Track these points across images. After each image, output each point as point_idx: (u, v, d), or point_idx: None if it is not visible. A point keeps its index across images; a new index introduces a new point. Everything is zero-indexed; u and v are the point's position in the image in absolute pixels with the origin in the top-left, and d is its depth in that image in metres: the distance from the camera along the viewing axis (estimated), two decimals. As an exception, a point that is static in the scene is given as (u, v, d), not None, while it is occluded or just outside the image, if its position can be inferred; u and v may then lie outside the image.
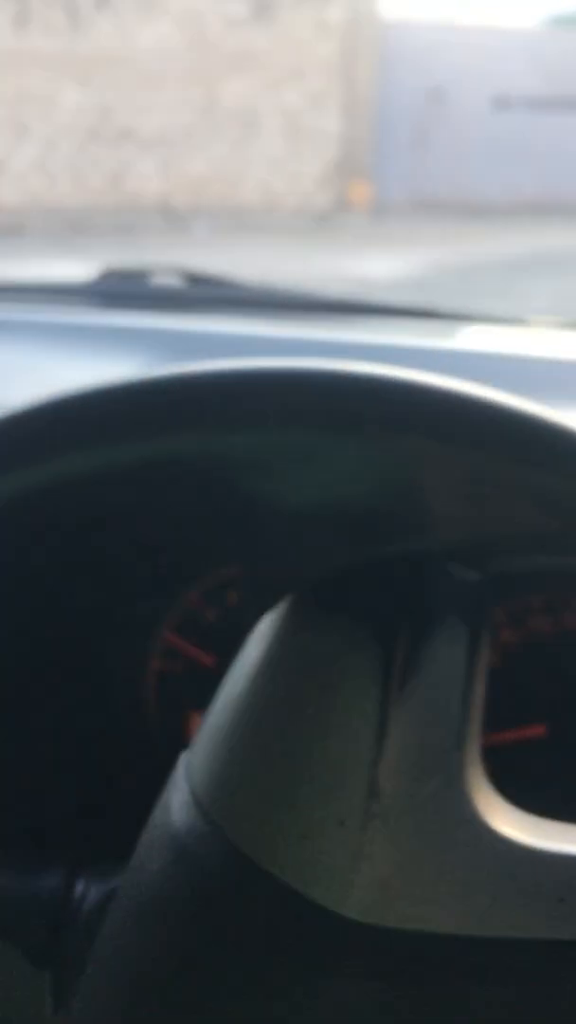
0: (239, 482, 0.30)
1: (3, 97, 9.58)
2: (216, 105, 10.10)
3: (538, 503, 0.28)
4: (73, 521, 0.34)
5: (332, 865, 0.30)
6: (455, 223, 9.20)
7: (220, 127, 10.15)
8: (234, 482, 0.30)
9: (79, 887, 0.39)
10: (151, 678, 0.62)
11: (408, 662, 0.31)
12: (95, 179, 10.07)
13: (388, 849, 0.30)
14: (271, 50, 10.00)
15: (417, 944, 0.30)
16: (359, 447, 0.28)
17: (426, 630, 0.31)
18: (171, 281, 1.05)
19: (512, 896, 0.30)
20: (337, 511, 0.31)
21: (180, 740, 0.50)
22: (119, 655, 0.61)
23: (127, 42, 9.80)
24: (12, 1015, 0.38)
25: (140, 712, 0.62)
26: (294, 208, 10.19)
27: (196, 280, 1.05)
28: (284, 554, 0.33)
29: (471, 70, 10.41)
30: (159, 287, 1.05)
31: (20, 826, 0.53)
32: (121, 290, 1.03)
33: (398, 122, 10.48)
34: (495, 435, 0.27)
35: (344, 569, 0.32)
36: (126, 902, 0.34)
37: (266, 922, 0.31)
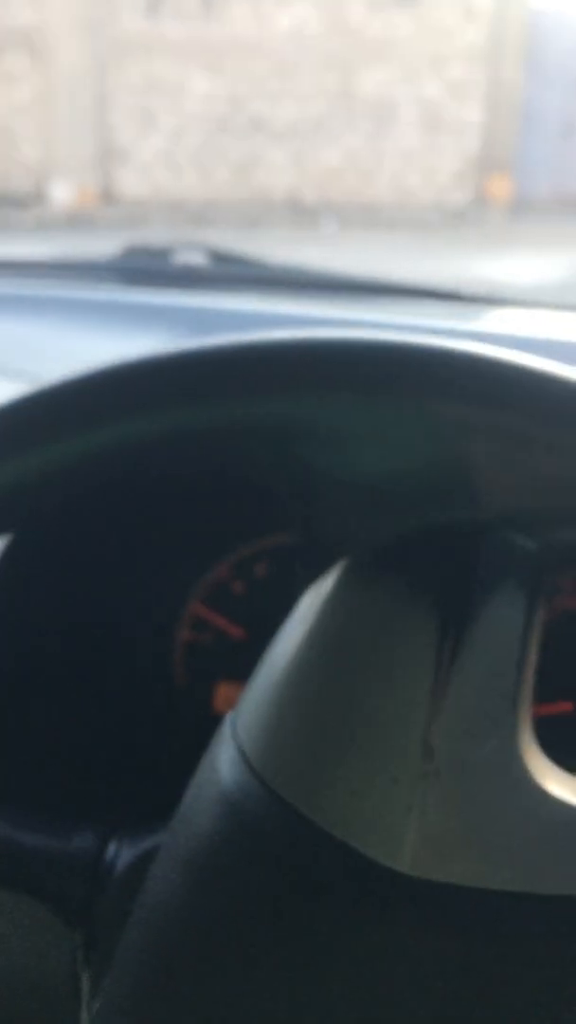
0: (290, 452, 0.30)
1: (131, 85, 9.40)
2: (352, 94, 9.71)
3: None
4: (111, 492, 0.34)
5: (383, 820, 0.31)
6: (604, 222, 8.57)
7: (355, 117, 9.77)
8: (285, 452, 0.30)
9: (112, 847, 0.40)
10: (180, 648, 0.63)
11: (464, 625, 0.31)
12: (222, 171, 9.81)
13: (440, 806, 0.30)
14: (413, 37, 9.53)
15: (466, 899, 0.30)
16: (416, 416, 0.28)
17: (483, 595, 0.31)
18: (195, 259, 1.05)
19: (562, 855, 0.30)
20: (393, 480, 0.30)
21: (208, 708, 0.56)
22: (149, 625, 0.63)
23: (262, 27, 9.50)
24: (43, 971, 0.38)
25: (170, 681, 0.63)
26: (429, 203, 9.71)
27: (219, 258, 1.04)
28: (338, 524, 0.33)
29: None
30: (182, 265, 1.04)
31: (54, 788, 0.57)
32: (145, 267, 1.03)
33: (544, 114, 9.91)
34: (551, 405, 0.27)
35: (402, 534, 0.32)
36: (172, 856, 0.34)
37: (316, 874, 0.31)
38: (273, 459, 0.31)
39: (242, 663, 0.53)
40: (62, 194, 9.20)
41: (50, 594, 0.57)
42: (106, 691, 0.63)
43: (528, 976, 0.31)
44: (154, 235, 7.84)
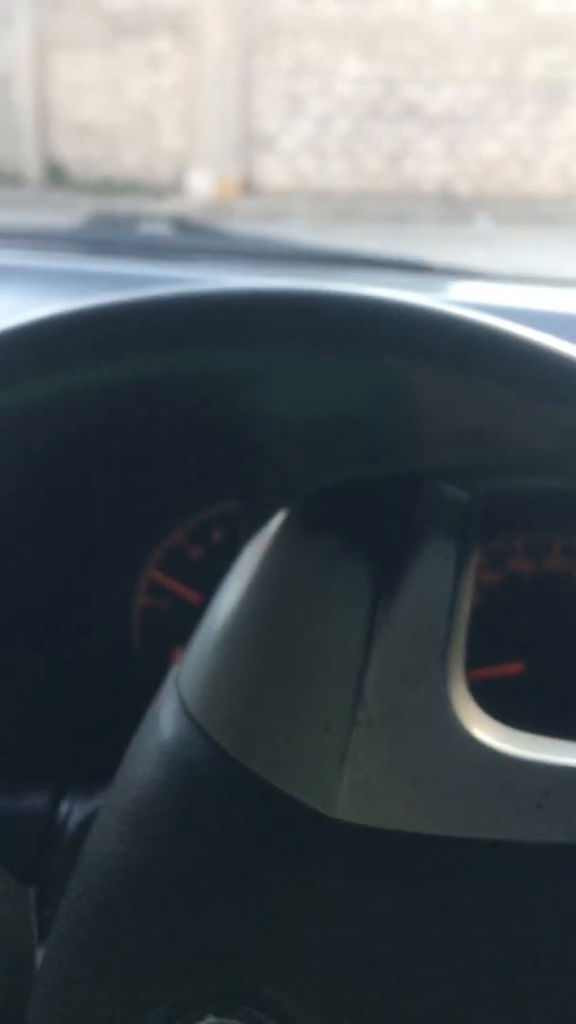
0: (232, 402, 0.30)
1: (279, 68, 8.91)
2: (516, 78, 8.98)
3: (526, 425, 0.28)
4: (64, 459, 0.34)
5: (317, 767, 0.31)
6: None
7: (518, 103, 9.03)
8: (227, 402, 0.30)
9: (64, 806, 0.41)
10: (137, 613, 0.64)
11: (396, 576, 0.31)
12: (371, 161, 9.22)
13: (372, 753, 0.31)
14: (588, 14, 8.74)
15: (399, 844, 0.31)
16: (351, 367, 0.28)
17: (414, 546, 0.31)
18: (160, 229, 1.07)
19: (492, 800, 0.31)
20: (330, 430, 0.31)
21: (164, 673, 0.54)
22: (106, 591, 0.64)
23: (422, 6, 8.84)
24: None
25: (127, 645, 0.64)
26: (597, 198, 8.92)
27: (185, 228, 1.07)
28: (278, 474, 0.33)
29: None
30: (148, 235, 1.05)
31: (10, 748, 0.59)
32: (110, 237, 1.03)
33: None
34: (483, 357, 0.28)
35: (336, 486, 0.32)
36: (113, 806, 0.34)
37: (252, 822, 0.32)
38: (215, 410, 0.30)
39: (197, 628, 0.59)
40: (200, 184, 8.81)
41: (6, 558, 0.56)
42: (65, 655, 0.63)
43: (457, 917, 0.31)
44: (294, 230, 7.37)
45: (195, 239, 1.05)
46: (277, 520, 0.33)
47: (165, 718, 0.34)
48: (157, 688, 0.43)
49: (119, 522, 0.61)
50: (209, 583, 0.53)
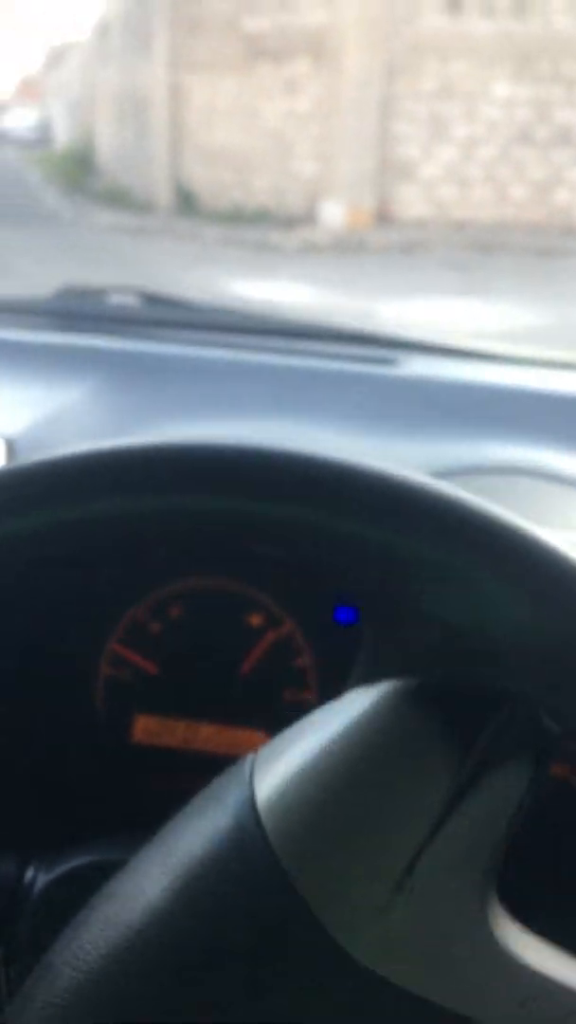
0: (395, 581, 0.33)
1: (423, 91, 8.44)
2: None
3: None
4: (49, 557, 0.37)
5: (354, 910, 0.35)
6: None
7: None
8: (389, 580, 0.33)
9: (30, 871, 0.46)
10: (100, 682, 0.69)
11: (479, 777, 0.35)
12: (517, 190, 8.64)
13: (403, 916, 0.35)
14: None
15: (400, 999, 0.35)
16: (493, 583, 0.31)
17: (502, 756, 0.35)
18: (128, 300, 1.09)
19: (487, 988, 0.35)
20: (460, 629, 0.33)
21: (127, 738, 0.63)
22: (71, 662, 0.69)
23: (582, 24, 8.24)
24: None
25: (91, 712, 0.69)
26: None
27: (153, 300, 1.09)
28: (405, 651, 0.35)
29: None
30: (115, 307, 1.08)
31: None
32: (77, 309, 1.05)
33: None
34: None
35: (451, 676, 0.35)
36: (163, 863, 0.37)
37: (280, 931, 0.35)
38: (376, 582, 0.33)
39: (157, 697, 0.66)
40: (332, 214, 8.39)
41: None
42: (31, 723, 0.66)
43: None
44: (427, 264, 6.88)
45: (163, 311, 1.07)
46: (390, 685, 0.36)
47: (232, 802, 0.36)
48: (119, 753, 0.55)
49: (86, 599, 0.67)
50: (166, 655, 0.65)
